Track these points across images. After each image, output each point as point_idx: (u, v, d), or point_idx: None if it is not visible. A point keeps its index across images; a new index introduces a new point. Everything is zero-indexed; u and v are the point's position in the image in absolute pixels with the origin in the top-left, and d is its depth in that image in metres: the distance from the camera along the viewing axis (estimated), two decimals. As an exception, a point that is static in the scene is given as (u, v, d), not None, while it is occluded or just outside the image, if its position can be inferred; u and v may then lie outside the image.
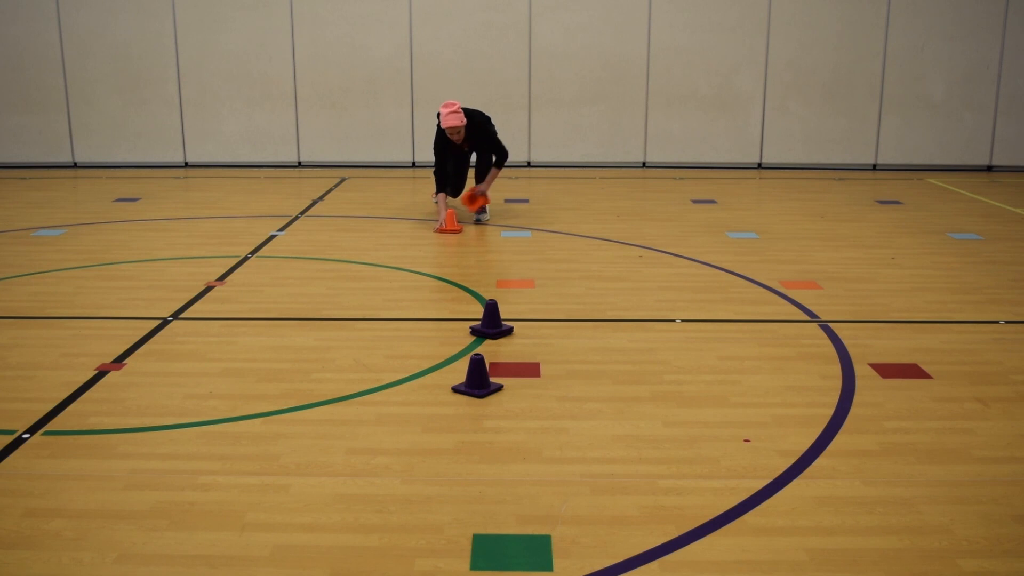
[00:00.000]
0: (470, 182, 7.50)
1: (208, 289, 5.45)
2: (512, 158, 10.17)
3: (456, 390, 3.91)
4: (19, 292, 5.41)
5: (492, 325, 4.61)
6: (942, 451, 3.41)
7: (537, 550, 2.76)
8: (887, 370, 4.18)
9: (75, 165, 10.23)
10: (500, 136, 7.47)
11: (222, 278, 5.68)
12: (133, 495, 3.08)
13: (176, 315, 4.97)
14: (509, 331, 4.62)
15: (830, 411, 3.75)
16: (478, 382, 3.90)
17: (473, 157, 7.49)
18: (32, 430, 3.56)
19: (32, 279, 5.68)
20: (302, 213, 7.68)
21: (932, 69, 9.88)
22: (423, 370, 4.18)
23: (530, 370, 4.15)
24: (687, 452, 3.40)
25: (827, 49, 9.89)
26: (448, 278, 5.67)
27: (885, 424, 3.63)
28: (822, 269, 5.91)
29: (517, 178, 9.46)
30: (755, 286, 5.54)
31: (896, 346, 4.50)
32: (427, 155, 10.21)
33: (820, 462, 3.32)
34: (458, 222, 7.05)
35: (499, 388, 3.93)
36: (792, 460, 3.33)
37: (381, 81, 10.04)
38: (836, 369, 4.20)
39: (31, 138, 10.15)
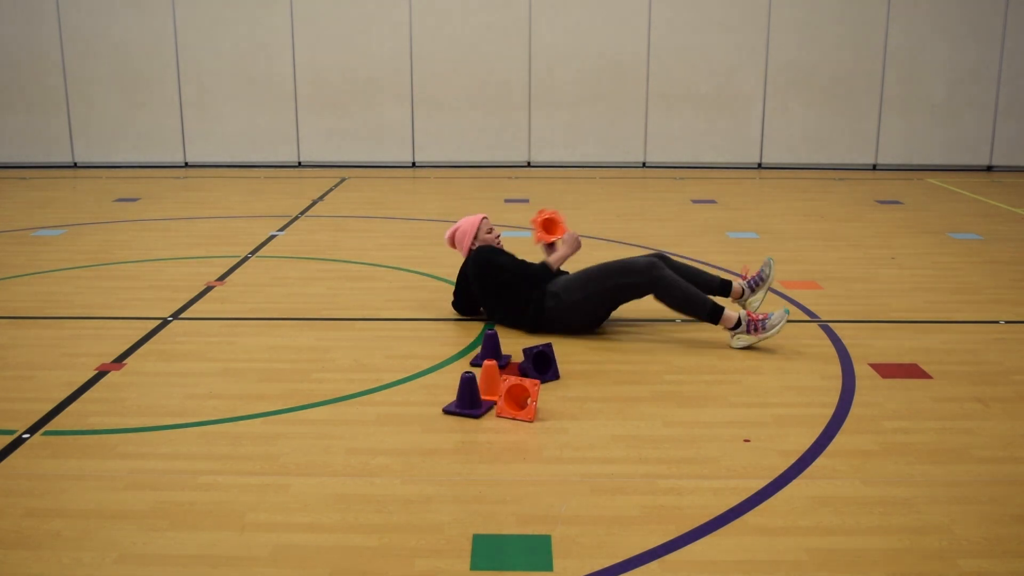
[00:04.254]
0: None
1: (208, 289, 5.45)
2: (512, 158, 10.19)
3: (447, 411, 3.72)
4: (19, 292, 5.41)
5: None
6: (942, 451, 3.41)
7: (537, 550, 2.76)
8: (887, 370, 4.18)
9: (75, 165, 10.23)
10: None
11: (222, 278, 5.68)
12: (133, 495, 3.08)
13: (176, 315, 4.97)
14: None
15: (830, 411, 3.75)
16: (469, 402, 3.70)
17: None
18: (32, 430, 3.56)
19: (32, 279, 5.68)
20: (302, 213, 7.68)
21: (932, 69, 9.88)
22: (423, 370, 4.17)
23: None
24: (687, 452, 3.39)
25: (827, 49, 9.89)
26: (448, 278, 5.67)
27: (885, 424, 3.63)
28: (822, 269, 5.91)
29: (517, 178, 9.46)
30: (755, 286, 5.53)
31: (896, 346, 4.50)
32: (427, 155, 10.22)
33: (820, 462, 3.32)
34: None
35: (491, 406, 3.75)
36: (792, 460, 3.33)
37: (381, 81, 10.04)
38: (836, 369, 4.20)
39: (31, 138, 10.15)
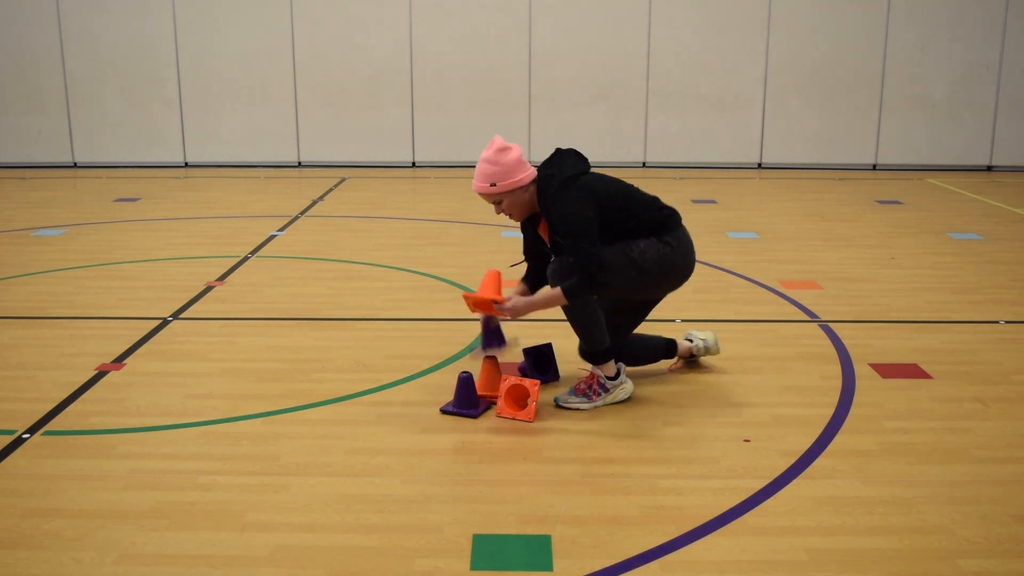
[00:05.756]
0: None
1: (208, 289, 5.45)
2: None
3: (444, 411, 3.71)
4: (19, 292, 5.40)
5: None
6: (942, 451, 3.41)
7: (537, 550, 2.76)
8: (887, 370, 4.18)
9: (75, 165, 10.23)
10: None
11: (222, 278, 5.68)
12: (133, 495, 3.08)
13: (176, 315, 4.97)
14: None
15: (830, 411, 3.75)
16: (467, 402, 3.69)
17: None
18: (32, 430, 3.56)
19: (32, 279, 5.68)
20: (302, 213, 7.68)
21: (932, 69, 9.88)
22: (423, 370, 4.17)
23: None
24: (687, 452, 3.39)
25: (827, 49, 9.89)
26: (448, 278, 5.67)
27: (885, 424, 3.63)
28: (822, 269, 5.91)
29: (517, 178, 9.45)
30: (755, 286, 5.54)
31: (896, 346, 4.50)
32: (427, 155, 10.22)
33: (820, 462, 3.32)
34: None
35: (490, 406, 3.75)
36: (792, 460, 3.33)
37: (381, 81, 10.04)
38: (836, 369, 4.20)
39: (31, 138, 10.16)
